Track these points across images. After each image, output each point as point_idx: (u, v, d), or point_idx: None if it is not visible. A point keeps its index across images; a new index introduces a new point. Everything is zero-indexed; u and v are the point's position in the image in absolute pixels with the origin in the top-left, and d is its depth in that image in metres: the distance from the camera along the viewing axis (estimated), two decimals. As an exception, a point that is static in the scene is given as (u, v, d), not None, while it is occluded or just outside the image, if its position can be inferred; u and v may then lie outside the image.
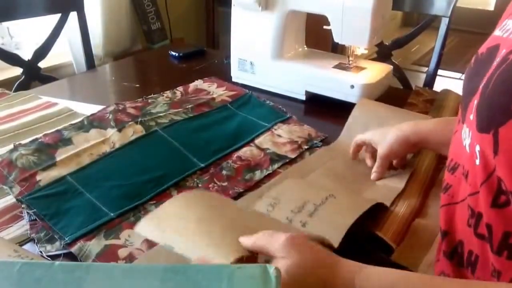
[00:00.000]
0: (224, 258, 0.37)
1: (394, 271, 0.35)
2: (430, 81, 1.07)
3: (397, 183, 0.56)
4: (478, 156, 0.32)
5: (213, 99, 0.77)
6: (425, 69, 1.15)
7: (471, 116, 0.34)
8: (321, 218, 0.47)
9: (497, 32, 0.38)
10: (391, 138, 0.57)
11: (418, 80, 1.70)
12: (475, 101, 0.34)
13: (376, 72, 0.82)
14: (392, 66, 0.87)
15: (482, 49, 0.38)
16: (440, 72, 1.08)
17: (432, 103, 0.79)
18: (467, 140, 0.35)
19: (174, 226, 0.42)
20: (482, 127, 0.32)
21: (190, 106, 0.73)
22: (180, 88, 0.82)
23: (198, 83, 0.84)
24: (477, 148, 0.32)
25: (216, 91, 0.81)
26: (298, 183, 0.56)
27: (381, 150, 0.58)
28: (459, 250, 0.37)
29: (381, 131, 0.59)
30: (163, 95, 0.79)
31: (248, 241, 0.38)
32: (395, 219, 0.50)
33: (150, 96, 0.78)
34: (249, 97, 0.79)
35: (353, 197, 0.53)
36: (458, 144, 0.38)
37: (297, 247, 0.35)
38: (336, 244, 0.42)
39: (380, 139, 0.58)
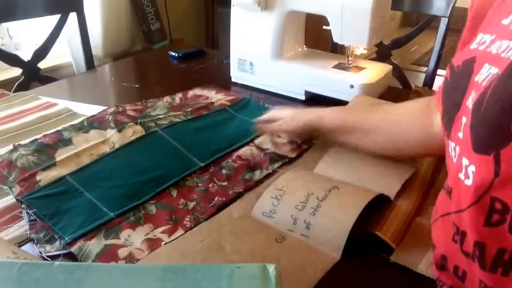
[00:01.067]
0: None
1: None
2: (429, 81, 1.07)
3: (395, 182, 0.56)
4: (471, 177, 0.32)
5: (212, 103, 0.77)
6: (425, 69, 1.15)
7: (460, 134, 0.33)
8: (324, 217, 0.48)
9: (472, 46, 0.38)
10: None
11: (418, 80, 1.70)
12: (463, 118, 0.33)
13: (375, 72, 0.82)
14: (391, 66, 0.87)
15: (457, 61, 0.38)
16: (439, 72, 1.08)
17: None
18: (456, 157, 0.34)
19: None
20: (480, 149, 0.31)
21: (189, 109, 0.73)
22: (179, 94, 0.82)
23: (197, 90, 0.84)
24: (472, 168, 0.31)
25: (215, 96, 0.81)
26: (303, 174, 0.57)
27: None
28: (445, 264, 0.37)
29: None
30: (162, 99, 0.79)
31: None
32: (395, 219, 0.50)
33: (149, 100, 0.78)
34: (247, 101, 0.80)
35: (356, 188, 0.53)
36: (449, 160, 0.37)
37: None
38: (338, 254, 0.44)
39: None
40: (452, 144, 0.35)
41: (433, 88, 1.01)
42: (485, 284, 0.32)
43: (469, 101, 0.33)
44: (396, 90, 0.93)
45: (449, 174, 0.37)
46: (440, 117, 0.40)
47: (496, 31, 0.35)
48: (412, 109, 0.55)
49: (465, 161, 0.32)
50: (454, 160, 0.35)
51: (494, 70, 0.33)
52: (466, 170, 0.32)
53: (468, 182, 0.32)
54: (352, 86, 0.77)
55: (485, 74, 0.33)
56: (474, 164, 0.31)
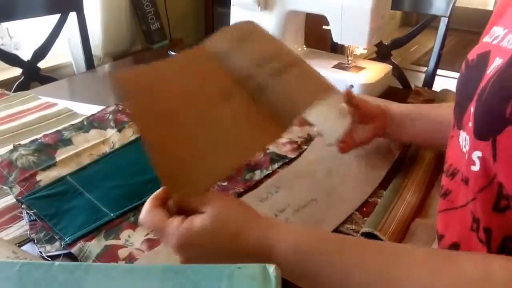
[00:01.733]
0: None
1: (320, 232, 0.34)
2: (429, 81, 1.07)
3: (379, 171, 0.58)
4: (477, 163, 0.32)
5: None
6: (424, 69, 1.15)
7: (470, 123, 0.34)
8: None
9: (486, 39, 0.38)
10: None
11: (417, 80, 1.70)
12: (471, 108, 0.34)
13: (375, 72, 0.82)
14: (391, 66, 0.88)
15: (472, 55, 0.39)
16: (439, 72, 1.08)
17: (431, 103, 0.79)
18: (466, 147, 0.35)
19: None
20: (480, 135, 0.32)
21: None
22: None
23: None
24: (477, 154, 0.32)
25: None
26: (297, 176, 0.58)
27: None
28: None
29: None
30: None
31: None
32: (394, 219, 0.50)
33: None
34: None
35: (331, 207, 0.53)
36: (456, 150, 0.38)
37: (221, 201, 0.33)
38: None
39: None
40: (463, 134, 0.36)
41: (433, 88, 1.01)
42: None
43: (478, 92, 0.34)
44: (396, 90, 0.93)
45: (460, 165, 0.37)
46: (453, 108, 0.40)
47: (509, 25, 0.35)
48: None
49: (471, 148, 0.33)
50: (465, 149, 0.35)
51: (500, 61, 0.34)
52: (472, 156, 0.33)
53: (475, 168, 0.32)
54: (352, 86, 0.77)
55: (493, 66, 0.34)
56: (478, 150, 0.32)
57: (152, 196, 0.35)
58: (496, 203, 0.31)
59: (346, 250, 0.30)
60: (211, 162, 0.37)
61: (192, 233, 0.31)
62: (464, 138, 0.36)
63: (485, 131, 0.31)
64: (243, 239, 0.31)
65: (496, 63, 0.34)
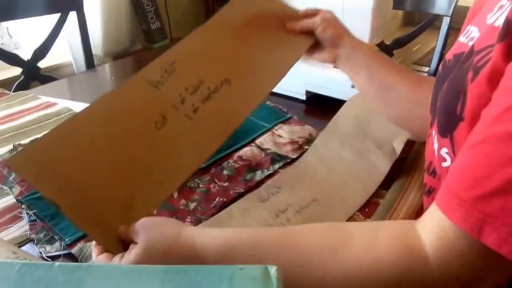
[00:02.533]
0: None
1: (238, 229, 0.37)
2: (430, 81, 1.07)
3: (380, 170, 0.58)
4: (447, 159, 0.33)
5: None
6: (426, 68, 1.15)
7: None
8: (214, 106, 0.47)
9: (461, 38, 0.38)
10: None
11: (419, 79, 1.69)
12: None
13: (376, 71, 0.81)
14: (392, 66, 0.87)
15: (449, 55, 0.39)
16: (441, 71, 1.08)
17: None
18: (435, 144, 0.36)
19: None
20: (442, 132, 0.33)
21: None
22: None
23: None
24: (445, 150, 0.33)
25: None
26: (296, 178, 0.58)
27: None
28: None
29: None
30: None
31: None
32: (396, 219, 0.49)
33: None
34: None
35: (333, 207, 0.53)
36: (431, 147, 0.38)
37: (146, 228, 0.36)
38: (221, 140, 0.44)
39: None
40: (433, 132, 0.37)
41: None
42: None
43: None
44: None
45: (434, 162, 0.38)
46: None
47: (481, 26, 0.35)
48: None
49: (439, 145, 0.34)
50: (435, 146, 0.37)
51: None
52: (441, 153, 0.34)
53: (446, 164, 0.34)
54: (353, 86, 0.77)
55: None
56: (445, 147, 0.33)
57: (94, 245, 0.39)
58: None
59: (257, 245, 0.34)
60: (142, 194, 0.40)
61: (130, 264, 0.35)
62: (433, 135, 0.37)
63: (444, 129, 0.33)
64: (174, 256, 0.35)
65: None
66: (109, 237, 0.37)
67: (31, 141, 0.39)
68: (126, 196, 0.40)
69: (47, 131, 0.38)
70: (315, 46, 0.57)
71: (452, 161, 0.33)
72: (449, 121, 0.32)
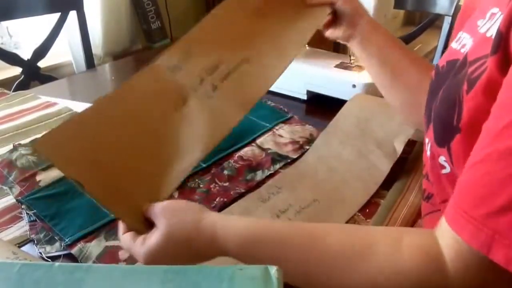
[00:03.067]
0: None
1: (260, 221, 0.37)
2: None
3: (382, 168, 0.57)
4: (446, 166, 0.34)
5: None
6: (427, 68, 1.14)
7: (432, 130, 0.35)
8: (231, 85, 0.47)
9: (454, 44, 0.38)
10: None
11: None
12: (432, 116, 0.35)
13: (377, 71, 0.81)
14: (393, 65, 0.87)
15: (442, 62, 0.38)
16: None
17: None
18: (428, 152, 0.36)
19: None
20: (438, 142, 0.34)
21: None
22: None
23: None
24: (443, 158, 0.34)
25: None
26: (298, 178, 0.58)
27: None
28: None
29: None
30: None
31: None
32: (397, 220, 0.49)
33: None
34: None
35: (333, 207, 0.53)
36: (426, 153, 0.39)
37: (167, 213, 0.36)
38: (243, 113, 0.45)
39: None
40: (426, 140, 0.37)
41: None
42: None
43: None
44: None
45: (427, 166, 0.38)
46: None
47: (473, 33, 0.35)
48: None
49: (436, 154, 0.35)
50: (428, 154, 0.37)
51: None
52: (439, 161, 0.34)
53: (446, 171, 0.34)
54: (354, 86, 0.76)
55: None
56: (443, 155, 0.33)
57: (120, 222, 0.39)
58: None
59: (281, 244, 0.34)
60: (165, 171, 0.41)
61: (151, 250, 0.35)
62: (427, 144, 0.37)
63: (441, 139, 0.33)
64: (195, 244, 0.35)
65: None
66: (133, 216, 0.37)
67: (58, 125, 0.39)
68: (150, 174, 0.40)
69: (47, 131, 0.38)
70: (331, 22, 0.56)
71: (451, 169, 0.33)
72: (446, 131, 0.32)
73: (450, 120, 0.31)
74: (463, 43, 0.36)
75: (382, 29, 0.55)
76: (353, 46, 0.56)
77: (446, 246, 0.29)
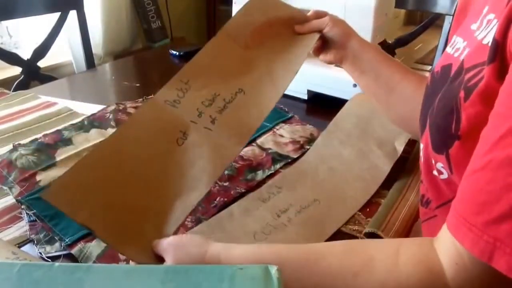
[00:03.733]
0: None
1: (261, 247, 0.37)
2: (432, 80, 1.06)
3: (382, 169, 0.57)
4: (444, 172, 0.34)
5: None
6: (429, 67, 1.15)
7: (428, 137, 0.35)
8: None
9: (448, 49, 0.38)
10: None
11: (420, 79, 1.69)
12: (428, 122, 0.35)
13: (378, 70, 0.81)
14: (394, 65, 0.87)
15: (437, 67, 0.38)
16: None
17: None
18: (422, 158, 0.37)
19: None
20: (436, 149, 0.34)
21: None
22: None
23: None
24: (440, 165, 0.34)
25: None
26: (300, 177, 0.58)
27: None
28: None
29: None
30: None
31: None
32: (397, 219, 0.49)
33: (150, 96, 0.78)
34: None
35: (334, 207, 0.53)
36: (420, 159, 0.39)
37: (173, 248, 0.37)
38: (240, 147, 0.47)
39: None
40: (421, 146, 0.37)
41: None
42: None
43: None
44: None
45: (423, 175, 0.38)
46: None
47: (467, 37, 0.35)
48: None
49: (433, 160, 0.35)
50: (421, 160, 0.37)
51: None
52: (436, 167, 0.34)
53: (444, 176, 0.34)
54: (355, 85, 0.76)
55: None
56: (440, 162, 0.34)
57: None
58: None
59: (279, 266, 0.33)
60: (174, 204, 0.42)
61: None
62: (422, 149, 0.37)
63: (439, 146, 0.33)
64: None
65: None
66: (144, 254, 0.39)
67: (65, 172, 0.41)
68: (157, 212, 0.42)
69: (46, 131, 0.38)
70: (321, 47, 0.57)
71: (449, 175, 0.33)
72: (444, 138, 0.32)
73: (448, 127, 0.31)
74: (456, 47, 0.36)
75: (372, 46, 0.56)
76: (346, 67, 0.57)
77: (446, 255, 0.29)
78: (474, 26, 0.34)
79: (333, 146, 0.63)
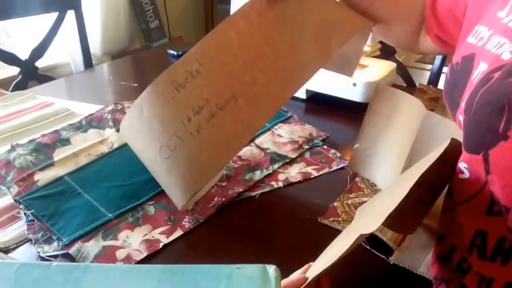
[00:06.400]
0: None
1: None
2: (434, 79, 1.06)
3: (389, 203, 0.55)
4: (466, 172, 0.33)
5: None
6: (429, 66, 1.15)
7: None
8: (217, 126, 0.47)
9: (470, 39, 0.37)
10: None
11: (422, 78, 1.69)
12: (459, 117, 0.34)
13: (379, 69, 0.81)
14: (395, 64, 0.87)
15: (457, 58, 0.37)
16: (444, 69, 1.07)
17: (437, 101, 0.78)
18: None
19: None
20: (471, 148, 0.32)
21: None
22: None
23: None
24: (464, 165, 0.32)
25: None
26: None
27: None
28: (451, 256, 0.36)
29: None
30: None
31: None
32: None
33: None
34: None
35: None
36: None
37: None
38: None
39: None
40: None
41: (438, 86, 1.00)
42: (482, 276, 0.32)
43: (464, 101, 0.34)
44: (400, 88, 0.92)
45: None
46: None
47: (493, 25, 0.34)
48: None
49: (460, 158, 0.33)
50: None
51: (484, 67, 0.33)
52: (459, 165, 0.33)
53: (464, 176, 0.33)
54: (354, 84, 0.76)
55: (477, 72, 0.33)
56: (465, 162, 0.32)
57: None
58: (489, 207, 0.31)
59: None
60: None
61: None
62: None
63: (477, 145, 0.31)
64: None
65: (481, 68, 0.33)
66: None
67: None
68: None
69: (44, 131, 0.38)
70: None
71: (473, 175, 0.31)
72: (485, 137, 0.30)
73: (495, 126, 0.29)
74: (480, 36, 0.35)
75: None
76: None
77: None
78: (501, 14, 0.32)
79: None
